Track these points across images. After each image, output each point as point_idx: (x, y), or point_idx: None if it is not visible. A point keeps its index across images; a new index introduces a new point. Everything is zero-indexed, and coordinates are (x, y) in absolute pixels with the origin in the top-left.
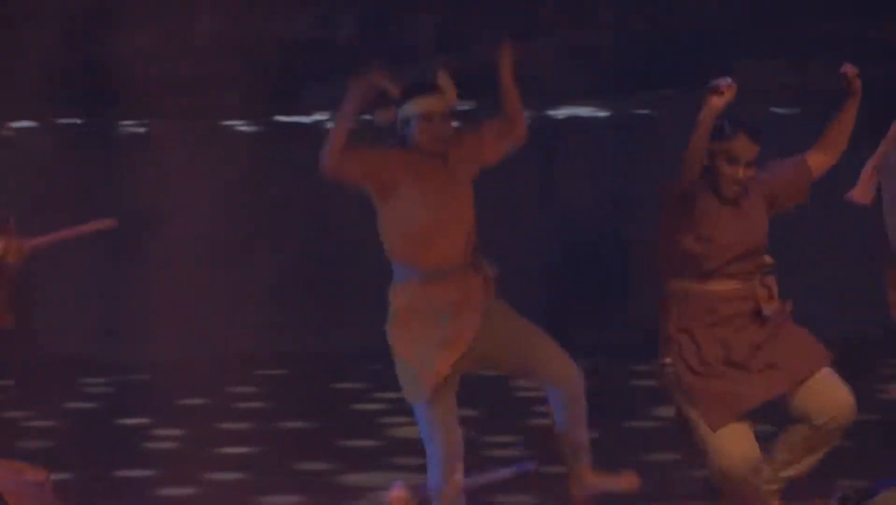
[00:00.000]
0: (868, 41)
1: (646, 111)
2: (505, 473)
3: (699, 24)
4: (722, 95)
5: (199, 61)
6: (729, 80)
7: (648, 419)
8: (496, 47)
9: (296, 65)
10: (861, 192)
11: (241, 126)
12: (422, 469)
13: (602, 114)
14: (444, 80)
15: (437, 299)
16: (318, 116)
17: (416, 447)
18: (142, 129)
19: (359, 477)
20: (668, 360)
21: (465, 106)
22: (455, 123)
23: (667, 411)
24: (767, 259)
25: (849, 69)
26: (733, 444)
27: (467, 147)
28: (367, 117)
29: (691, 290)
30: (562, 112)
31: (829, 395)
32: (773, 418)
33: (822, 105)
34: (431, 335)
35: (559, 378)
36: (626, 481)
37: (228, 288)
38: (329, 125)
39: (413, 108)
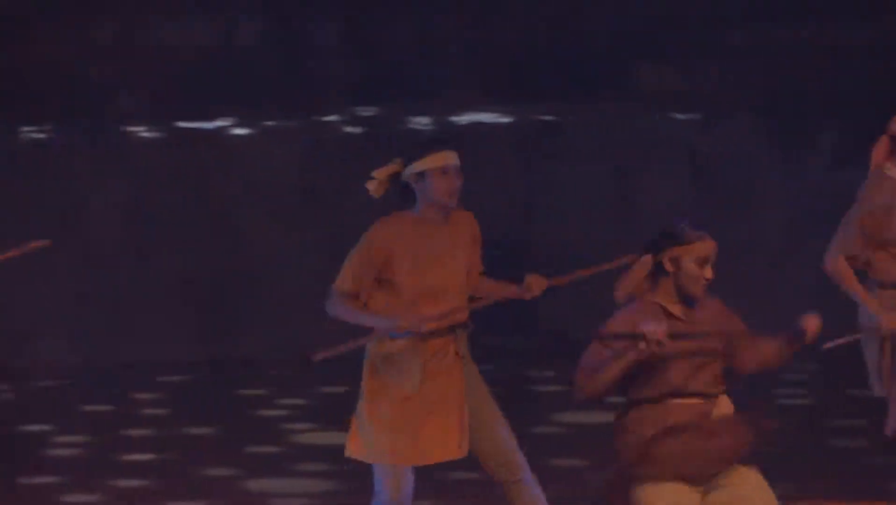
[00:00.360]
0: (763, 47)
1: (548, 117)
2: None
3: (601, 31)
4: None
5: (101, 66)
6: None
7: (553, 425)
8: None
9: (198, 70)
10: None
11: (143, 132)
12: (324, 475)
13: (504, 120)
14: None
15: (419, 351)
16: (220, 122)
17: (318, 453)
18: (42, 135)
19: (262, 483)
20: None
21: (367, 112)
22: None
23: (571, 417)
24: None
25: (810, 330)
26: None
27: (474, 246)
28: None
29: (646, 410)
30: (464, 118)
31: None
32: None
33: (720, 111)
34: (414, 407)
35: (502, 460)
36: None
37: (131, 293)
38: (234, 131)
39: (429, 162)
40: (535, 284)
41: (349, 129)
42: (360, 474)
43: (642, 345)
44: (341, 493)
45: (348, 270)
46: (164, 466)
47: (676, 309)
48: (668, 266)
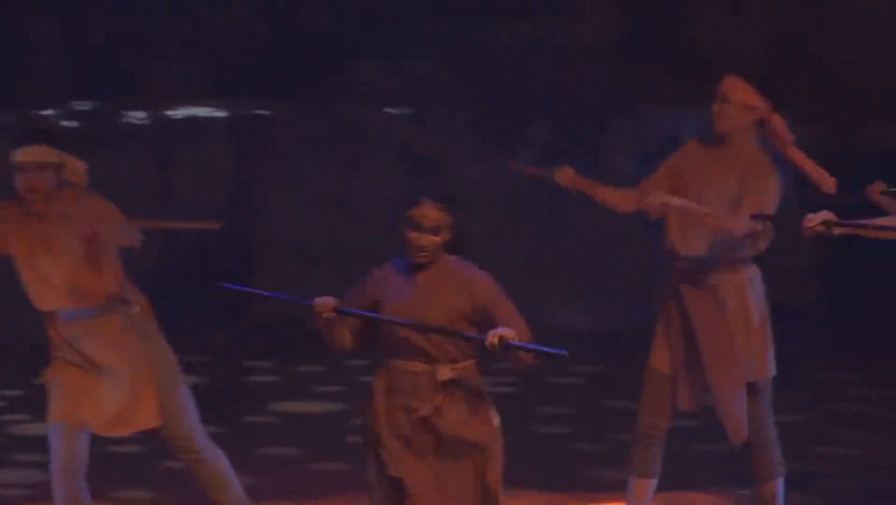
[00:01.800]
0: (474, 44)
1: (262, 112)
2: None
3: (314, 27)
4: (319, 315)
5: None
6: (324, 304)
7: (266, 414)
8: None
9: None
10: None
11: None
12: (40, 465)
13: (219, 114)
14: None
15: (76, 339)
16: None
17: (34, 444)
18: None
19: None
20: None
21: (83, 106)
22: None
23: (286, 407)
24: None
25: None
26: None
27: (94, 212)
28: None
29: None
30: (180, 112)
31: None
32: None
33: (432, 105)
34: (86, 376)
35: (181, 442)
36: None
37: None
38: None
39: (13, 156)
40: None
41: (66, 123)
42: None
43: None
44: None
45: None
46: None
47: (405, 273)
48: (406, 227)
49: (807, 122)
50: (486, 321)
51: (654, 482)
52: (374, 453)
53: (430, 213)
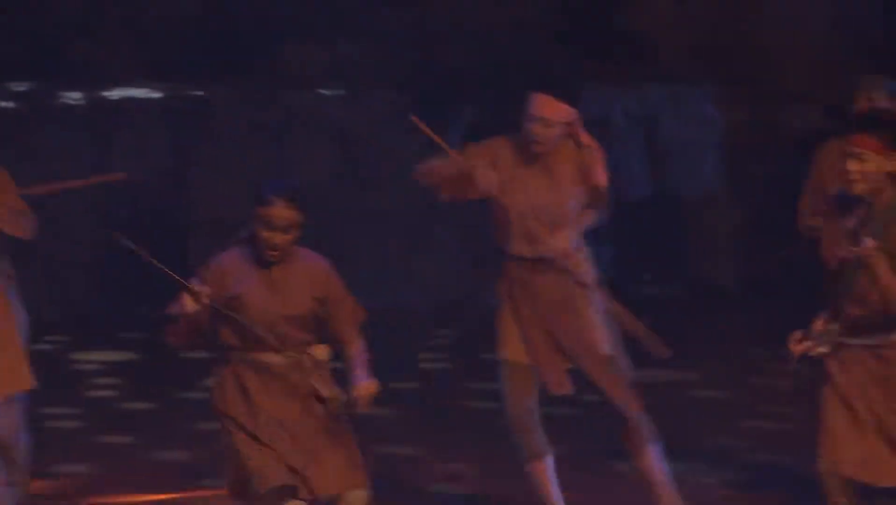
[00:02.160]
0: (404, 26)
1: (198, 93)
2: None
3: (248, 9)
4: (197, 300)
5: None
6: (203, 289)
7: (200, 390)
8: None
9: None
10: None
11: None
12: None
13: (156, 95)
14: None
15: None
16: None
17: None
18: None
19: None
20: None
21: (20, 87)
22: None
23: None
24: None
25: (359, 396)
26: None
27: None
28: None
29: (237, 356)
30: (116, 93)
31: None
32: None
33: (367, 87)
34: None
35: (14, 432)
36: None
37: None
38: None
39: None
40: None
41: (2, 104)
42: None
43: (185, 301)
44: None
45: None
46: None
47: (256, 266)
48: (255, 224)
49: (731, 104)
50: (329, 312)
51: (549, 459)
52: (240, 445)
53: (282, 212)
